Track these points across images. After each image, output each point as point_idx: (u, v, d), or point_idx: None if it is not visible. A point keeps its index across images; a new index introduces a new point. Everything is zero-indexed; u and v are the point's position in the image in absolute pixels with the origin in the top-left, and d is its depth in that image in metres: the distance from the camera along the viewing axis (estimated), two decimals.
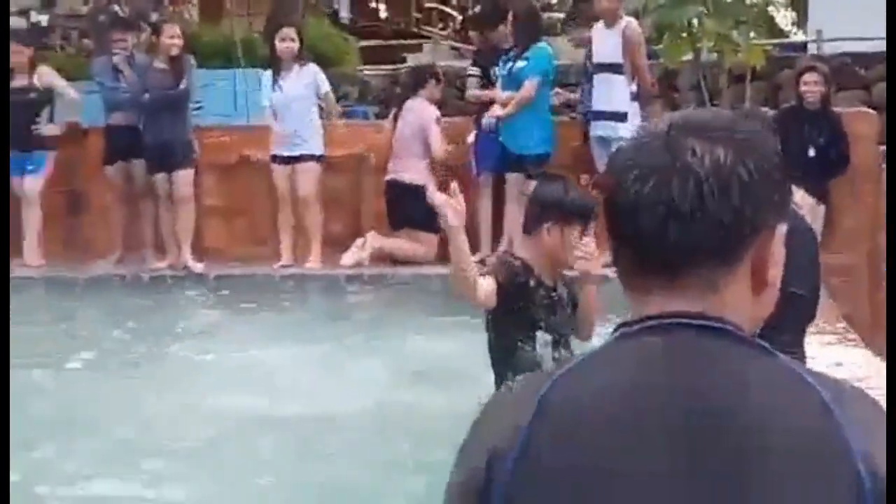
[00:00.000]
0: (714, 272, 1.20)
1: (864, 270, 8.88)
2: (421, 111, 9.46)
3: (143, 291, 9.02)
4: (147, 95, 9.35)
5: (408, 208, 9.13)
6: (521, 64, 9.00)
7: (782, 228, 1.24)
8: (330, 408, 5.68)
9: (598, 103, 8.96)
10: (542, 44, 9.32)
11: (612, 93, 8.92)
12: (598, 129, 8.93)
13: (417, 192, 9.23)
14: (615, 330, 1.24)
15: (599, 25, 9.28)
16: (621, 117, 8.80)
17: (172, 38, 9.49)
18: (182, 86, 9.40)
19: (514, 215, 9.02)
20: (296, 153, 9.40)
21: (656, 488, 1.11)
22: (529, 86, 8.97)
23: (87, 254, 9.90)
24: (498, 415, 1.23)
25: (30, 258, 9.51)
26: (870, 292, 8.70)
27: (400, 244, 9.37)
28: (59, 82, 9.82)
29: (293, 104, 9.37)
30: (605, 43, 9.06)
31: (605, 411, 1.16)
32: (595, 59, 9.16)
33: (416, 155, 9.38)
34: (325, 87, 9.56)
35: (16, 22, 14.18)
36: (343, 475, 4.79)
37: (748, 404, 1.14)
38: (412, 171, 9.32)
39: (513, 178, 9.15)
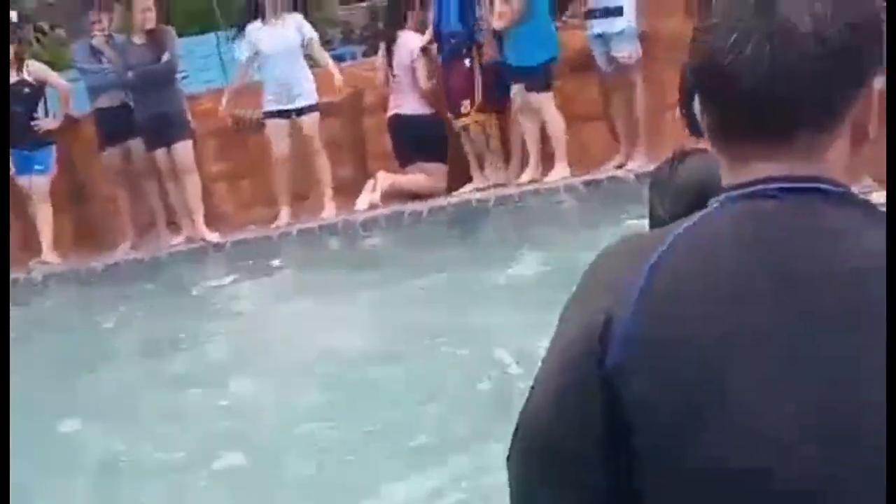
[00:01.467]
0: (817, 133, 1.19)
1: None
2: (407, 43, 9.30)
3: (167, 269, 8.92)
4: (131, 73, 9.21)
5: (413, 140, 9.04)
6: None
7: (881, 81, 1.23)
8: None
9: (593, 1, 8.84)
10: None
11: None
12: (596, 26, 8.81)
13: (420, 122, 9.18)
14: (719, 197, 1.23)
15: None
16: (616, 12, 8.69)
17: (143, 10, 9.34)
18: (165, 58, 9.25)
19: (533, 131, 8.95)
20: (294, 106, 9.26)
21: (770, 336, 1.13)
22: None
23: (100, 242, 9.82)
24: (614, 268, 1.22)
25: (48, 255, 9.44)
26: None
27: (409, 178, 9.27)
28: (50, 75, 9.73)
29: (281, 56, 9.21)
30: None
31: (720, 266, 1.17)
32: None
33: (414, 87, 9.24)
34: (310, 33, 9.39)
35: None
36: None
37: (851, 256, 1.15)
38: (413, 102, 9.20)
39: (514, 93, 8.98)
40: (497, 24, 8.85)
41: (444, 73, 9.26)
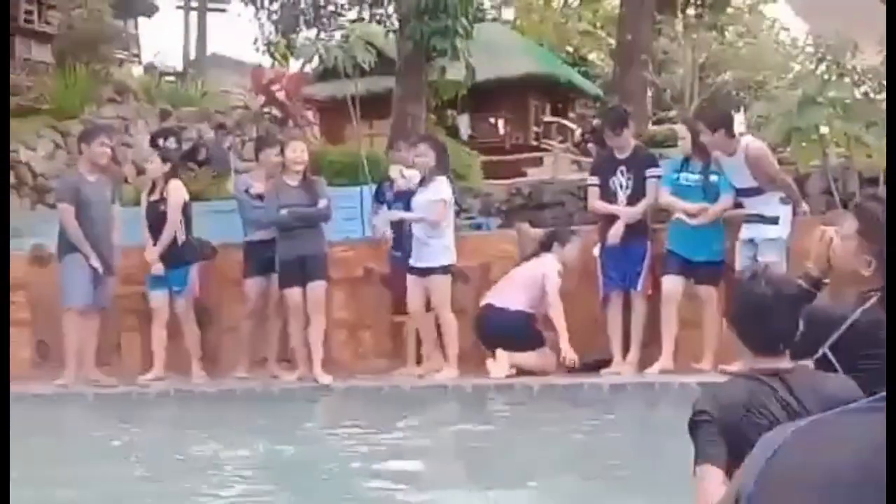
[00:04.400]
0: None
1: None
2: (544, 264, 9.44)
3: (281, 403, 8.97)
4: (284, 211, 9.48)
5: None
6: (714, 178, 9.16)
7: None
8: None
9: (752, 208, 8.98)
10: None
11: (760, 205, 8.91)
12: (750, 231, 8.91)
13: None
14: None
15: (717, 154, 9.21)
16: (772, 221, 8.84)
17: (296, 152, 9.69)
18: (322, 204, 9.55)
19: (672, 320, 9.00)
20: (428, 265, 9.39)
21: None
22: (727, 199, 9.11)
23: (214, 366, 10.01)
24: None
25: (196, 374, 9.64)
26: None
27: (528, 356, 9.28)
28: (180, 203, 9.85)
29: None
30: (734, 170, 8.98)
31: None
32: (736, 185, 9.09)
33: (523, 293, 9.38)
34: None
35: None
36: None
37: None
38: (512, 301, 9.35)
39: (674, 282, 9.09)
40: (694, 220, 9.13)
41: None
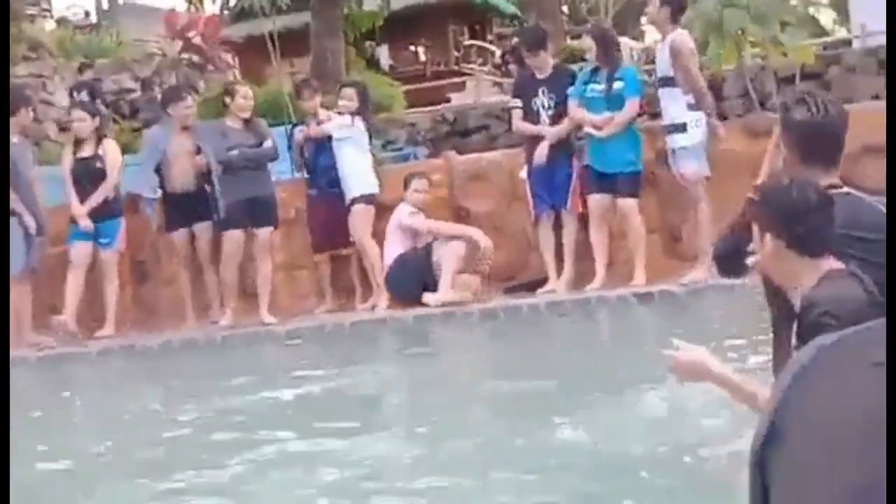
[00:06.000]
0: None
1: None
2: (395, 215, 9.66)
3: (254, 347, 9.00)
4: (232, 153, 9.50)
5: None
6: (618, 84, 9.15)
7: None
8: None
9: (664, 116, 9.09)
10: (629, 64, 9.46)
11: (669, 105, 9.01)
12: (668, 141, 9.06)
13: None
14: None
15: (658, 38, 9.35)
16: (680, 128, 8.88)
17: (247, 98, 9.83)
18: (269, 143, 9.64)
19: (602, 238, 9.13)
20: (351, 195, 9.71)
21: None
22: (632, 105, 9.19)
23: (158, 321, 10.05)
24: None
25: (108, 328, 9.66)
26: None
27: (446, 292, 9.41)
28: (118, 161, 9.92)
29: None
30: (660, 56, 9.12)
31: None
32: (657, 73, 9.23)
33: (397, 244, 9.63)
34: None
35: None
36: None
37: None
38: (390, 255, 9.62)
39: (598, 199, 9.19)
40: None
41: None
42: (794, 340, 3.35)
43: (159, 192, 9.98)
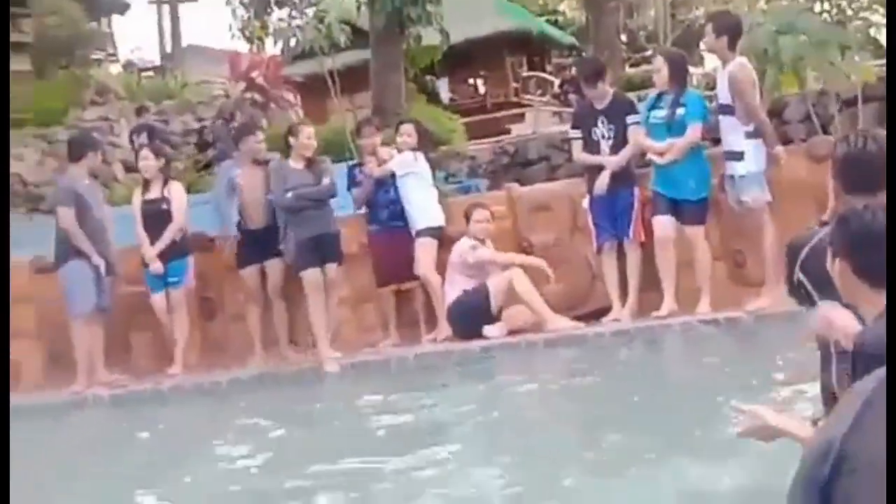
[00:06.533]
0: None
1: None
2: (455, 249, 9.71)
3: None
4: (290, 194, 9.53)
5: None
6: (681, 111, 9.15)
7: None
8: None
9: (723, 143, 9.10)
10: (692, 89, 9.47)
11: (728, 133, 9.00)
12: (727, 168, 9.05)
13: None
14: None
15: (718, 64, 9.36)
16: (738, 156, 8.86)
17: (310, 138, 9.80)
18: (326, 182, 9.60)
19: (669, 262, 9.12)
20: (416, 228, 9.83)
21: None
22: (693, 130, 9.15)
23: (222, 355, 10.17)
24: None
25: (177, 367, 9.76)
26: None
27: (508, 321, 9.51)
28: (183, 205, 10.01)
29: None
30: (720, 84, 9.11)
31: None
32: (718, 100, 9.23)
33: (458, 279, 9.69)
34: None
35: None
36: None
37: None
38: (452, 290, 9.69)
39: (662, 221, 9.18)
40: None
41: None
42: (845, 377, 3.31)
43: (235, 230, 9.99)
